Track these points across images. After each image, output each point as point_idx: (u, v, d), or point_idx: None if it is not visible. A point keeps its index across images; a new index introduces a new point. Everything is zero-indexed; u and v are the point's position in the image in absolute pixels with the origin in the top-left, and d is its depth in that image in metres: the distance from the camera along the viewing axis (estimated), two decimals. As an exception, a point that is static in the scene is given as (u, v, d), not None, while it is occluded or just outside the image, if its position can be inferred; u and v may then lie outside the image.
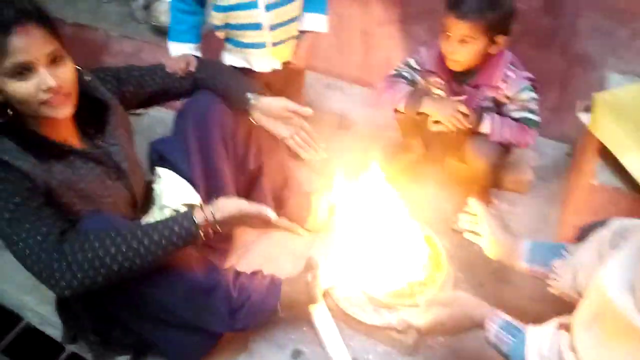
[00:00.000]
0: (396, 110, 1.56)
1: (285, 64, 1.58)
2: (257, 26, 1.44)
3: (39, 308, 1.61)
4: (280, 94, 1.71)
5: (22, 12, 0.94)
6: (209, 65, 1.39)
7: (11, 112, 1.02)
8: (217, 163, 1.39)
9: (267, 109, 1.31)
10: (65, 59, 1.03)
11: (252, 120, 1.33)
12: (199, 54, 1.49)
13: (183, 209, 1.35)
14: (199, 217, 1.07)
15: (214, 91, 1.35)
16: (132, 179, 1.27)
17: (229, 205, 1.12)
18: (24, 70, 0.96)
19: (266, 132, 1.38)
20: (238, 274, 1.28)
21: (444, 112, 1.42)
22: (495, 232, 1.15)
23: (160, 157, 1.41)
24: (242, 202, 1.14)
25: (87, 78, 1.16)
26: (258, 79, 1.55)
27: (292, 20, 1.50)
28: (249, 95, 1.32)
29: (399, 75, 1.54)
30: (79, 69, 1.10)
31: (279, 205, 1.59)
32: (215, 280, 1.21)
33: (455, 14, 1.32)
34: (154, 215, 1.34)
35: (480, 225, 1.18)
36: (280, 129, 1.32)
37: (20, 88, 0.96)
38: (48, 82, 0.97)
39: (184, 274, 1.16)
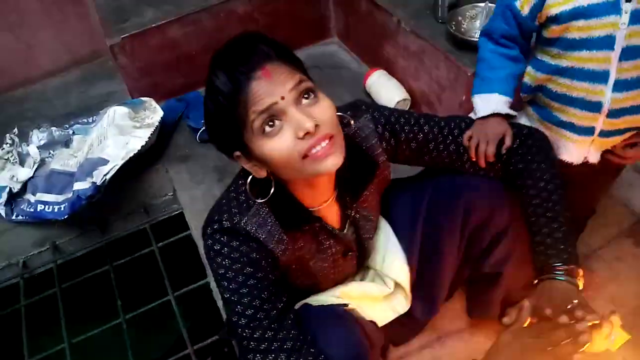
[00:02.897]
0: None
1: (604, 154, 1.09)
2: (593, 106, 0.97)
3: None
4: (578, 187, 1.25)
5: (263, 58, 0.76)
6: (534, 150, 0.96)
7: (273, 187, 0.86)
8: (442, 252, 1.08)
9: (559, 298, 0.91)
10: (316, 92, 0.80)
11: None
12: (513, 112, 1.06)
13: (389, 282, 1.11)
14: None
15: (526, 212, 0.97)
16: (368, 255, 1.09)
17: None
18: (272, 119, 0.76)
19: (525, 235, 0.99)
20: None
21: None
22: None
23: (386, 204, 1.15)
24: None
25: (369, 136, 0.95)
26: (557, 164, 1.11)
27: None
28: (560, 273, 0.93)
29: None
30: (342, 115, 0.89)
31: None
32: None
33: None
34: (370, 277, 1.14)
35: None
36: None
37: (276, 144, 0.77)
38: (302, 124, 0.75)
39: None
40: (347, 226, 0.99)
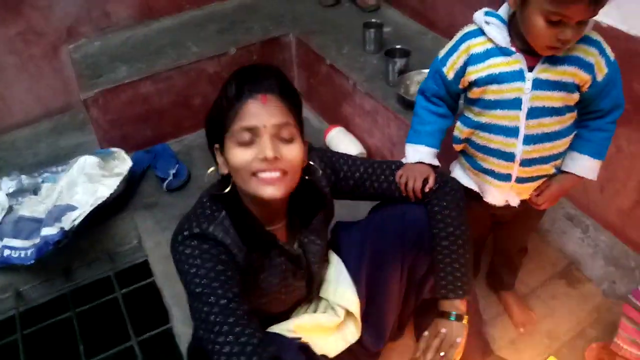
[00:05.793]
0: None
1: (524, 201, 1.25)
2: (507, 156, 1.15)
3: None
4: (508, 228, 1.41)
5: (268, 87, 0.93)
6: (448, 198, 1.15)
7: (230, 186, 1.00)
8: (387, 282, 1.20)
9: (448, 337, 1.13)
10: (295, 139, 0.95)
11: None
12: (437, 162, 1.24)
13: (340, 311, 1.20)
14: None
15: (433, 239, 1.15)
16: (316, 279, 1.18)
17: None
18: (249, 136, 0.92)
19: None
20: None
21: None
22: None
23: (336, 243, 1.27)
24: None
25: (318, 171, 1.10)
26: (485, 208, 1.27)
27: (554, 158, 1.16)
28: (451, 309, 1.15)
29: None
30: (311, 164, 1.05)
31: None
32: None
33: None
34: (322, 308, 1.22)
35: None
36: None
37: (239, 155, 0.93)
38: (265, 151, 0.90)
39: None
40: (296, 246, 1.10)
